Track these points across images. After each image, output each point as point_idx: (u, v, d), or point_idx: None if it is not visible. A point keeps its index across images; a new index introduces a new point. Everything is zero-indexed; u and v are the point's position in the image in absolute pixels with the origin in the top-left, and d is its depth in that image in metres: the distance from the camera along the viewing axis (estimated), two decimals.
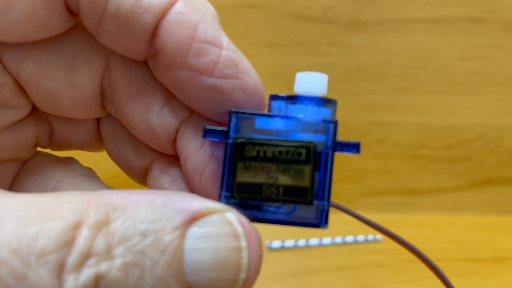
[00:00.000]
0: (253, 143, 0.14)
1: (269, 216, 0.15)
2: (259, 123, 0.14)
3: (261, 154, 0.14)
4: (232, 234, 0.12)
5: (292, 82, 0.46)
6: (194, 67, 0.14)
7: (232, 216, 0.13)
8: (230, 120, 0.14)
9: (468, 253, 0.33)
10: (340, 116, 0.44)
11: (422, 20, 0.40)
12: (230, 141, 0.14)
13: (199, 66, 0.13)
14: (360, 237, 0.35)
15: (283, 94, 0.15)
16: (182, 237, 0.12)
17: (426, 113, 0.41)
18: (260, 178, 0.14)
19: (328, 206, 0.15)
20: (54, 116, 0.17)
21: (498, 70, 0.40)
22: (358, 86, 0.40)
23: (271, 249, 0.33)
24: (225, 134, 0.14)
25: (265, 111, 0.15)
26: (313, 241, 0.34)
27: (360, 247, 0.34)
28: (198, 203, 0.12)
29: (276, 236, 0.35)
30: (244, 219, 0.13)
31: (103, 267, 0.11)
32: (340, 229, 0.37)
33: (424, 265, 0.17)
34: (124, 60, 0.16)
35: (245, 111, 0.14)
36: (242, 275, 0.12)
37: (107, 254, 0.11)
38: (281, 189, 0.14)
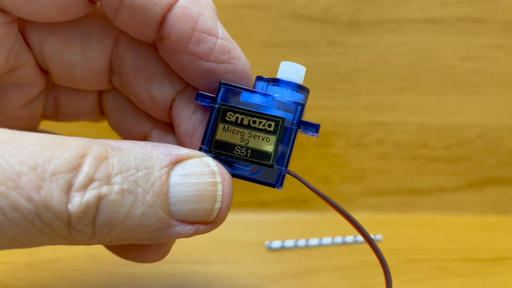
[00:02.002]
0: (233, 111, 0.17)
1: (237, 172, 0.17)
2: (243, 96, 0.17)
3: (239, 121, 0.17)
4: (209, 172, 0.15)
5: None
6: (193, 53, 0.16)
7: (209, 159, 0.16)
8: (219, 90, 0.17)
9: (468, 253, 0.33)
10: (340, 116, 0.44)
11: (422, 20, 0.40)
12: (216, 106, 0.17)
13: (198, 52, 0.16)
14: (360, 237, 0.35)
15: (266, 76, 0.18)
16: (168, 174, 0.14)
17: (426, 113, 0.41)
18: (234, 140, 0.17)
19: (285, 172, 0.17)
20: (61, 90, 0.20)
21: (498, 70, 0.40)
22: (358, 86, 0.40)
23: (271, 249, 0.33)
24: (213, 100, 0.17)
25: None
26: (313, 241, 0.34)
27: (360, 247, 0.34)
28: (182, 150, 0.16)
29: (276, 236, 0.35)
30: (218, 162, 0.16)
31: (104, 190, 0.13)
32: (340, 229, 0.37)
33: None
34: (130, 39, 0.18)
35: (233, 84, 0.17)
36: (217, 205, 0.15)
37: (107, 180, 0.13)
38: (249, 151, 0.17)
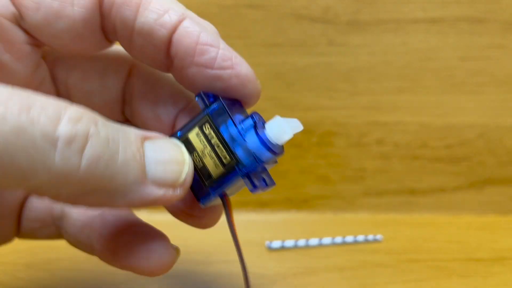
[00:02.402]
0: (211, 126, 0.18)
1: None
2: (229, 121, 0.18)
3: (209, 137, 0.18)
4: (176, 146, 0.18)
5: (291, 82, 0.46)
6: (199, 63, 0.18)
7: (177, 140, 0.18)
8: (214, 101, 0.18)
9: (468, 253, 0.33)
10: (339, 116, 0.44)
11: (422, 20, 0.40)
12: (204, 113, 0.18)
13: (203, 62, 0.18)
14: (360, 237, 0.35)
15: (262, 120, 0.19)
16: (142, 143, 0.16)
17: (426, 113, 0.41)
18: (197, 147, 0.18)
19: (213, 196, 0.18)
20: None
21: (498, 70, 0.40)
22: (358, 86, 0.40)
23: (271, 249, 0.33)
24: (206, 107, 0.18)
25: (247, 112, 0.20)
26: (313, 241, 0.34)
27: (360, 247, 0.34)
28: (153, 133, 0.18)
29: (276, 236, 0.35)
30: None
31: (92, 129, 0.14)
32: (340, 229, 0.37)
33: None
34: (141, 69, 0.21)
35: (225, 106, 0.18)
36: (186, 168, 0.17)
37: (95, 125, 0.15)
38: (201, 163, 0.18)
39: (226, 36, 0.39)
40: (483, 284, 0.28)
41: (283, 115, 0.42)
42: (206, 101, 0.19)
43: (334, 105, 0.40)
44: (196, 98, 0.19)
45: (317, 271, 0.30)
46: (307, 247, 0.34)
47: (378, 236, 0.35)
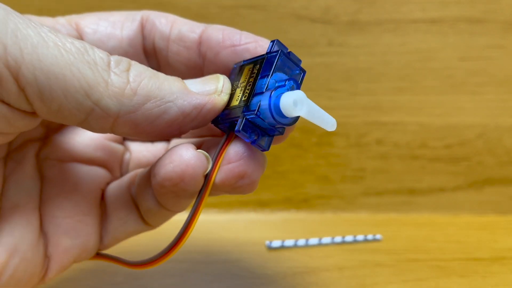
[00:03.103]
0: (258, 69, 0.19)
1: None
2: (268, 74, 0.19)
3: (252, 74, 0.20)
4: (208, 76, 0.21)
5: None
6: (228, 46, 0.21)
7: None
8: (276, 53, 0.20)
9: (467, 252, 0.33)
10: (339, 116, 0.44)
11: (422, 20, 0.40)
12: (263, 56, 0.20)
13: (231, 43, 0.21)
14: (360, 237, 0.35)
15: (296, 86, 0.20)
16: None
17: (425, 113, 0.41)
18: (243, 76, 0.20)
19: (220, 118, 0.19)
20: None
21: (498, 70, 0.41)
22: (358, 86, 0.40)
23: (270, 248, 0.33)
24: (269, 53, 0.20)
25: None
26: (313, 241, 0.34)
27: (359, 246, 0.34)
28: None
29: (276, 236, 0.35)
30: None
31: (133, 61, 0.19)
32: (340, 229, 0.37)
33: None
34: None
35: (276, 62, 0.19)
36: (221, 79, 0.20)
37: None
38: (233, 91, 0.20)
39: None
40: (483, 284, 0.29)
41: None
42: (273, 49, 0.20)
43: (334, 105, 0.41)
44: (268, 50, 0.20)
45: (317, 270, 0.30)
46: (306, 246, 0.34)
47: (378, 236, 0.35)
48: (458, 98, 0.41)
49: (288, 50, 0.21)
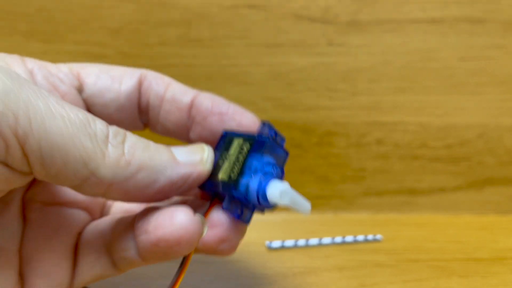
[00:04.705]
0: (249, 147, 0.21)
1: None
2: (258, 157, 0.21)
3: (241, 151, 0.21)
4: (191, 144, 0.22)
5: (291, 82, 0.46)
6: (216, 113, 0.23)
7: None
8: (267, 136, 0.22)
9: (467, 253, 0.33)
10: (340, 116, 0.44)
11: (422, 20, 0.40)
12: (253, 136, 0.22)
13: (220, 111, 0.23)
14: (360, 237, 0.35)
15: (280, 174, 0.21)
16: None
17: (425, 113, 0.41)
18: (232, 150, 0.21)
19: (208, 185, 0.21)
20: None
21: (498, 70, 0.41)
22: (358, 86, 0.40)
23: (271, 248, 0.33)
24: (259, 134, 0.22)
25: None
26: (313, 241, 0.34)
27: (359, 247, 0.34)
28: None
29: (276, 236, 0.35)
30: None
31: (128, 132, 0.20)
32: (340, 229, 0.37)
33: None
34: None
35: (267, 146, 0.21)
36: (206, 149, 0.21)
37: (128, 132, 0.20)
38: (222, 161, 0.21)
39: (226, 37, 0.39)
40: (483, 284, 0.29)
41: (283, 115, 0.42)
42: (263, 131, 0.22)
43: (334, 105, 0.41)
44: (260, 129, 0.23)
45: (317, 270, 0.30)
46: (307, 247, 0.34)
47: (378, 236, 0.35)
48: (458, 98, 0.41)
49: (275, 131, 0.22)
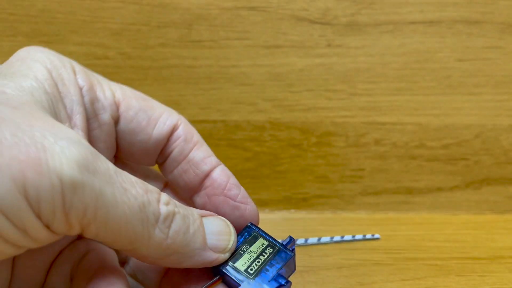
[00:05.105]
0: (271, 252, 0.23)
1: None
2: (277, 266, 0.23)
3: (263, 253, 0.23)
4: (225, 221, 0.23)
5: (291, 82, 0.46)
6: (227, 195, 0.25)
7: (222, 218, 0.23)
8: (291, 250, 0.23)
9: (465, 252, 0.33)
10: (338, 116, 0.44)
11: (420, 21, 0.40)
12: (279, 245, 0.24)
13: (230, 195, 0.25)
14: (358, 236, 0.35)
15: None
16: (201, 218, 0.22)
17: (423, 113, 0.41)
18: (254, 247, 0.23)
19: (222, 269, 0.22)
20: None
21: (495, 71, 0.41)
22: (356, 87, 0.41)
23: None
24: (283, 245, 0.24)
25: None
26: (312, 240, 0.34)
27: (358, 245, 0.34)
28: (206, 212, 0.23)
29: (276, 235, 0.35)
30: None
31: (176, 209, 0.20)
32: (339, 228, 0.37)
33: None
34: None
35: (288, 259, 0.23)
36: (233, 238, 0.23)
37: (175, 206, 0.21)
38: (242, 252, 0.23)
39: (226, 38, 0.40)
40: (480, 283, 0.29)
41: (283, 115, 0.42)
42: (288, 243, 0.24)
43: (333, 106, 0.41)
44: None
45: (316, 269, 0.30)
46: (306, 245, 0.34)
47: (376, 235, 0.36)
48: (456, 98, 0.41)
49: (294, 247, 0.24)
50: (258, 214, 0.26)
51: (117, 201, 0.18)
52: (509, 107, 0.41)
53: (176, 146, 0.25)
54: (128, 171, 0.21)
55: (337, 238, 0.35)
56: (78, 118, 0.22)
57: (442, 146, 0.42)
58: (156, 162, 0.26)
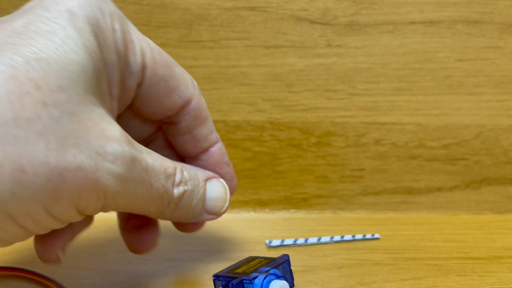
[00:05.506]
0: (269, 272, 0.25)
1: None
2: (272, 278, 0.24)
3: (261, 269, 0.25)
4: (223, 186, 0.27)
5: (291, 82, 0.46)
6: (217, 172, 0.28)
7: (223, 180, 0.28)
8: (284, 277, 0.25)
9: (465, 252, 0.33)
10: (338, 116, 0.44)
11: (420, 21, 0.40)
12: (277, 264, 0.26)
13: (220, 172, 0.28)
14: (358, 236, 0.35)
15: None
16: (205, 185, 0.26)
17: (423, 113, 0.41)
18: (256, 261, 0.26)
19: (222, 279, 0.25)
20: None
21: (495, 71, 0.41)
22: (356, 87, 0.41)
23: (270, 247, 0.33)
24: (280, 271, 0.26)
25: None
26: (312, 240, 0.34)
27: (358, 245, 0.34)
28: (209, 173, 0.27)
29: (276, 235, 0.35)
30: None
31: (185, 187, 0.25)
32: (339, 228, 0.37)
33: None
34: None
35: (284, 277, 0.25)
36: (226, 204, 0.27)
37: (185, 182, 0.25)
38: (244, 268, 0.25)
39: (226, 38, 0.40)
40: (480, 283, 0.29)
41: (282, 115, 0.42)
42: (287, 266, 0.26)
43: (333, 106, 0.41)
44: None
45: (316, 269, 0.30)
46: (306, 245, 0.34)
47: (376, 235, 0.36)
48: (455, 98, 0.41)
49: (291, 269, 0.26)
50: (230, 192, 0.28)
51: (143, 196, 0.22)
52: (509, 107, 0.41)
53: (184, 120, 0.26)
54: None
55: (337, 238, 0.35)
56: (115, 89, 0.22)
57: (442, 146, 0.42)
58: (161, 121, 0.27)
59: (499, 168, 0.42)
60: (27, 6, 0.20)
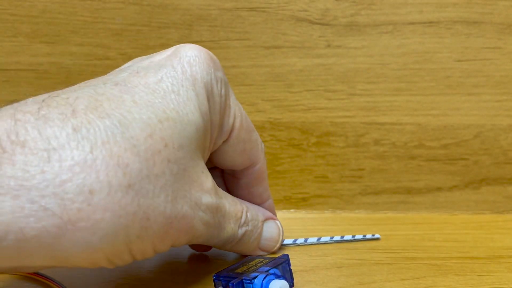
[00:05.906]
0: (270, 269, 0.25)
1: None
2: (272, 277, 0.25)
3: (264, 267, 0.25)
4: (278, 228, 0.30)
5: (291, 83, 0.46)
6: (257, 202, 0.31)
7: (279, 222, 0.31)
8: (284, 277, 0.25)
9: (464, 251, 0.33)
10: (338, 116, 0.44)
11: (419, 22, 0.40)
12: (276, 263, 0.26)
13: (260, 201, 0.31)
14: (358, 236, 0.35)
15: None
16: (262, 225, 0.29)
17: (422, 113, 0.41)
18: (261, 262, 0.26)
19: (223, 278, 0.25)
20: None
21: (494, 71, 0.41)
22: (356, 87, 0.41)
23: None
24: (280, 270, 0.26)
25: None
26: (312, 240, 0.34)
27: (358, 245, 0.34)
28: (268, 213, 0.30)
29: None
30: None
31: (247, 228, 0.27)
32: (338, 228, 0.37)
33: None
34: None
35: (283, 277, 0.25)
36: (279, 244, 0.30)
37: (247, 223, 0.27)
38: (245, 266, 0.26)
39: (226, 39, 0.40)
40: (479, 282, 0.29)
41: (282, 115, 0.42)
42: (281, 258, 0.26)
43: (333, 106, 0.41)
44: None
45: (316, 269, 0.30)
46: (305, 245, 0.34)
47: (376, 235, 0.36)
48: (455, 98, 0.41)
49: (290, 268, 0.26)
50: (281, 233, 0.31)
51: (216, 236, 0.25)
52: (508, 107, 0.41)
53: (246, 178, 0.29)
54: None
55: (337, 237, 0.35)
56: (211, 144, 0.25)
57: (441, 146, 0.42)
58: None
59: (498, 168, 0.42)
60: (157, 57, 0.24)
